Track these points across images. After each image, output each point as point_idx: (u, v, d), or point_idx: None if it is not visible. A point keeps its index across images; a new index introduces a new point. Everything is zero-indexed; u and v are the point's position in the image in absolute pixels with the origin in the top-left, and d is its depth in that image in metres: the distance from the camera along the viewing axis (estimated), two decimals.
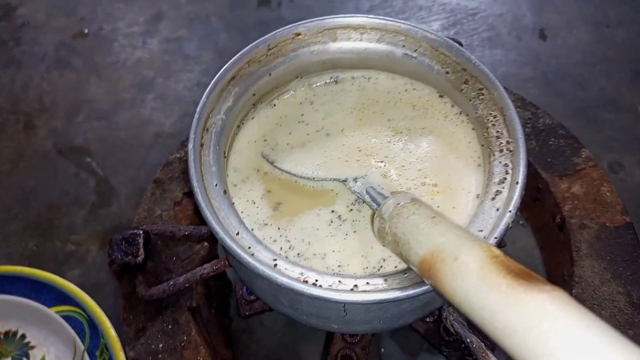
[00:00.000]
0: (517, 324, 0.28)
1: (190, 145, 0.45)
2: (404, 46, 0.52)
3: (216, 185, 0.45)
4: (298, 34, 0.52)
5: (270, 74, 0.52)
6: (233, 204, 0.45)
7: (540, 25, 1.00)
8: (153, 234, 0.55)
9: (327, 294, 0.39)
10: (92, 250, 0.78)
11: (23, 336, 0.66)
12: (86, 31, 1.02)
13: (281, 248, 0.46)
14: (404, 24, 0.52)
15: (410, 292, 0.39)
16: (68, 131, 0.89)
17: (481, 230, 0.41)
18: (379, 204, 0.44)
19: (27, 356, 0.65)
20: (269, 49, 0.51)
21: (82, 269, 0.77)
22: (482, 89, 0.48)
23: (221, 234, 0.41)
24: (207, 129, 0.47)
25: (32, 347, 0.66)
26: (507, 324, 0.29)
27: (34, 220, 0.81)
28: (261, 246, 0.42)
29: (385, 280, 0.41)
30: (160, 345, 0.53)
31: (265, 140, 0.53)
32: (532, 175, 0.63)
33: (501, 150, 0.45)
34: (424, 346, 0.71)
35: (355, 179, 0.49)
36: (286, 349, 0.71)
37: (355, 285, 0.40)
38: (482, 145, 0.48)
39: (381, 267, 0.45)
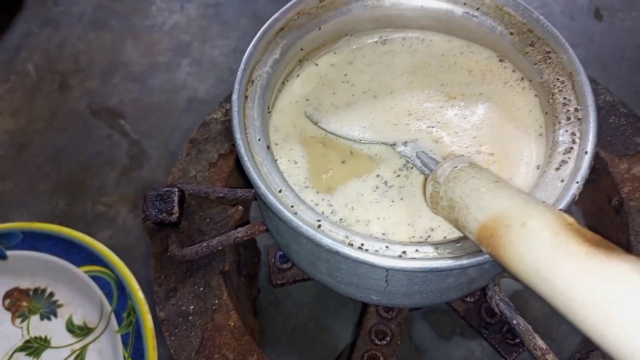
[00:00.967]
0: (599, 294, 0.25)
1: (235, 96, 0.42)
2: (464, 4, 0.48)
3: (259, 139, 0.42)
4: None
5: (320, 28, 0.49)
6: (276, 160, 0.43)
7: (596, 4, 0.95)
8: (188, 193, 0.54)
9: (373, 259, 0.37)
10: (122, 212, 0.77)
11: (52, 294, 0.65)
12: None
13: (322, 212, 0.43)
14: None
15: (465, 261, 0.36)
16: (102, 92, 0.88)
17: (543, 202, 0.38)
18: (431, 169, 0.42)
19: (55, 314, 0.64)
20: (321, 1, 0.48)
21: (111, 230, 0.76)
22: (549, 52, 0.44)
23: (263, 189, 0.39)
24: (252, 81, 0.45)
25: (60, 306, 0.65)
26: (586, 293, 0.26)
27: (65, 180, 0.80)
28: (305, 206, 0.40)
29: (436, 248, 0.38)
30: (192, 307, 0.51)
31: (307, 100, 0.50)
32: None
33: (568, 118, 0.42)
34: (457, 329, 0.68)
35: (405, 143, 0.46)
36: (315, 322, 0.69)
37: (404, 252, 0.38)
38: (546, 113, 0.44)
39: (429, 236, 0.42)
